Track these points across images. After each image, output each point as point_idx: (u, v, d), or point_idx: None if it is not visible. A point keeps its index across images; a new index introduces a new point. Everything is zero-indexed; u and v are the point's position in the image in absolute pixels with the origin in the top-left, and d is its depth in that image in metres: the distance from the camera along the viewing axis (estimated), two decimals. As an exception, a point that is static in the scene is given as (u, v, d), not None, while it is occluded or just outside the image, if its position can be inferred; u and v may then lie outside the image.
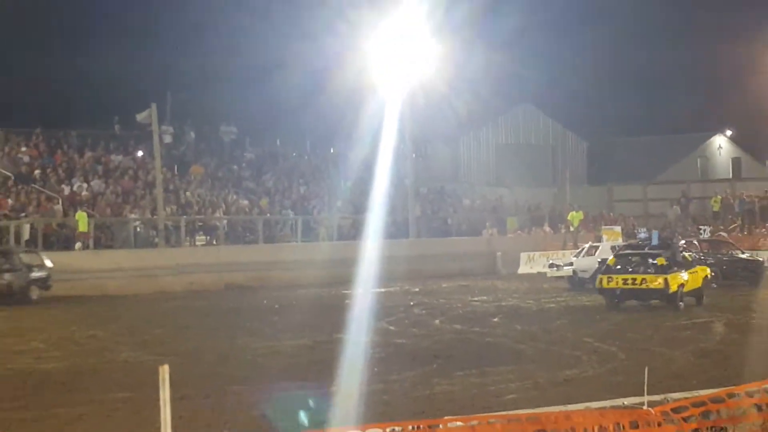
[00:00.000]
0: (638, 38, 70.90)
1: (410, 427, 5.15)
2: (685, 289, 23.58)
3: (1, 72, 55.15)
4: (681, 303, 23.21)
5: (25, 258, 28.64)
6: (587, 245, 33.48)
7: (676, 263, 24.71)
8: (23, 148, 36.09)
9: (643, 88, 66.80)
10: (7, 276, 27.01)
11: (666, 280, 22.82)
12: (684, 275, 23.62)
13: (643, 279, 23.21)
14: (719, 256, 32.18)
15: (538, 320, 23.44)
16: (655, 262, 24.04)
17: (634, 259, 24.90)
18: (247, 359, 17.42)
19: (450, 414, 7.95)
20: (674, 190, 49.78)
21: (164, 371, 5.21)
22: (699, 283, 24.87)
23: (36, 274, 28.26)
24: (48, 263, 28.48)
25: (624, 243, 32.50)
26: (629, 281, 23.25)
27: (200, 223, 35.52)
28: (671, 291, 22.94)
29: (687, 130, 57.47)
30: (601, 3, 64.12)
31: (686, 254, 26.64)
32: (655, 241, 28.20)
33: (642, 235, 33.62)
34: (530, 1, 46.86)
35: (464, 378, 15.29)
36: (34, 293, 27.82)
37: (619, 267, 24.18)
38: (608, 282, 23.39)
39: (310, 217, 37.50)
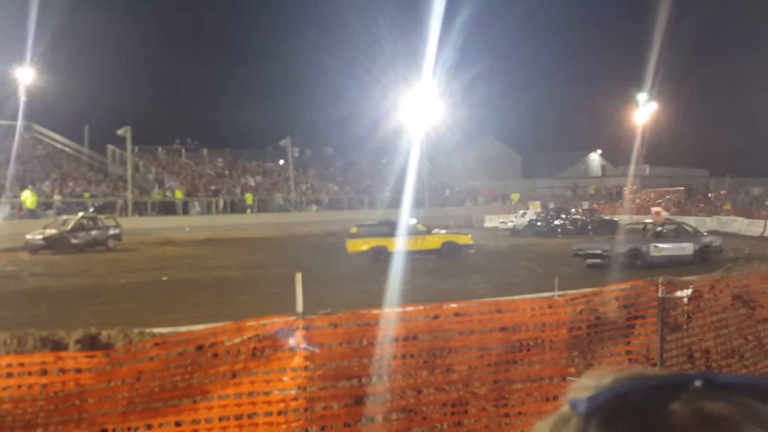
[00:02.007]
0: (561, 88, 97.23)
1: (420, 307, 6.12)
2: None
3: (201, 110, 78.66)
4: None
5: (106, 221, 37.39)
6: (521, 212, 48.33)
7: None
8: (219, 159, 60.44)
9: (551, 123, 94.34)
10: (93, 232, 35.79)
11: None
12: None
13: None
14: (593, 218, 45.71)
15: (494, 251, 31.85)
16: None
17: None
18: (336, 269, 24.04)
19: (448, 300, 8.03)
20: (569, 182, 74.17)
21: (298, 277, 5.98)
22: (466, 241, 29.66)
23: (112, 231, 37.00)
24: (119, 225, 37.56)
25: (539, 211, 47.58)
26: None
27: (313, 199, 57.91)
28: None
29: (576, 149, 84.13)
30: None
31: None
32: (552, 207, 47.56)
33: (551, 206, 49.98)
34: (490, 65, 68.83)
35: (454, 282, 21.27)
36: (111, 243, 36.33)
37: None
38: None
39: (372, 196, 57.83)
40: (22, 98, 51.04)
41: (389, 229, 29.36)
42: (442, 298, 8.66)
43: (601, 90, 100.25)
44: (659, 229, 28.19)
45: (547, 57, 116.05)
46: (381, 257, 27.13)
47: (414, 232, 29.30)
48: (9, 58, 50.71)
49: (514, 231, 43.60)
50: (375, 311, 6.16)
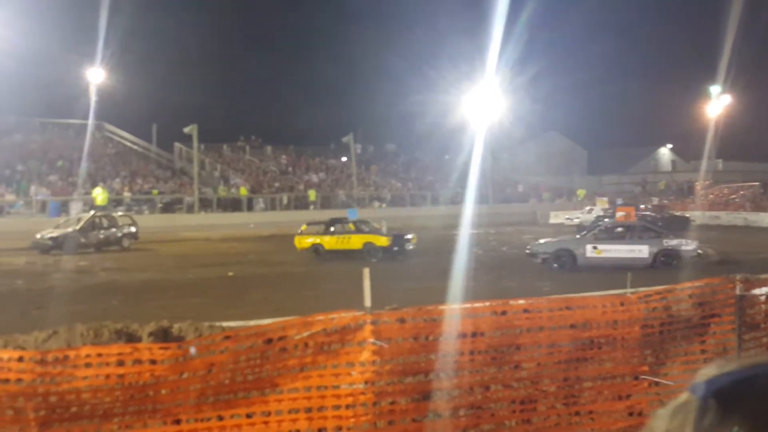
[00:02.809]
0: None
1: (486, 303, 5.99)
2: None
3: (265, 108, 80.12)
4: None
5: (121, 220, 36.01)
6: (587, 208, 49.01)
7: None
8: (283, 156, 61.13)
9: (618, 118, 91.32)
10: (104, 231, 34.32)
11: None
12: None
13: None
14: (663, 214, 43.26)
15: None
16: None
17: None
18: (399, 265, 25.11)
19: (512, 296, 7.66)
20: (637, 178, 71.88)
21: (366, 272, 5.97)
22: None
23: (127, 230, 35.44)
24: (135, 223, 35.82)
25: (607, 207, 45.90)
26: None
27: (376, 196, 58.25)
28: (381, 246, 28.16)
29: (645, 144, 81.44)
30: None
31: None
32: (620, 203, 45.63)
33: (618, 202, 46.96)
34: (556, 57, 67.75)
35: (518, 279, 20.86)
36: (126, 243, 34.84)
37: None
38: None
39: (434, 192, 58.03)
40: (93, 98, 52.30)
41: (333, 227, 30.25)
42: (506, 296, 8.60)
43: (671, 83, 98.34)
44: (600, 227, 25.48)
45: (615, 50, 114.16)
46: (320, 253, 29.16)
47: (343, 231, 29.96)
48: (81, 59, 52.12)
49: (581, 228, 41.46)
50: (442, 307, 6.16)
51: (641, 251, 23.38)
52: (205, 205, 48.96)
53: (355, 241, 29.26)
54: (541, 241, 25.54)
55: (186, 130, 49.01)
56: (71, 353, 5.17)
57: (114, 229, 34.74)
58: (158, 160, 57.40)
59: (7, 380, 5.04)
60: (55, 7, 52.36)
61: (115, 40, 48.87)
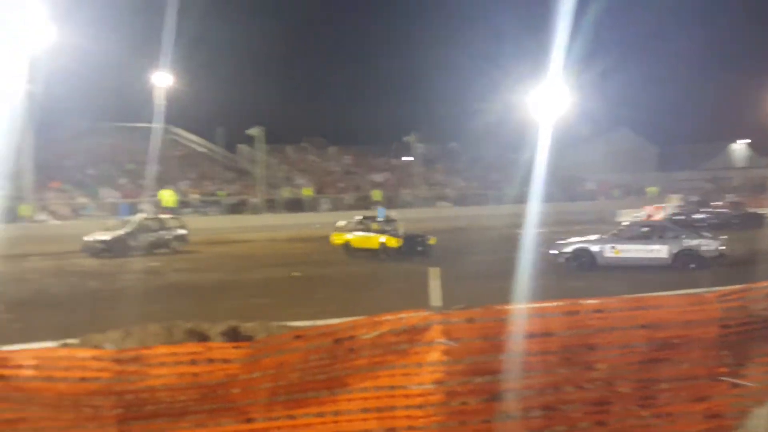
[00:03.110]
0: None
1: (557, 303, 5.91)
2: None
3: (329, 109, 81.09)
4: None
5: (171, 222, 35.48)
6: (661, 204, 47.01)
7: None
8: (346, 156, 61.55)
9: (689, 113, 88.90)
10: (154, 234, 33.69)
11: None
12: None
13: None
14: (738, 211, 42.26)
15: None
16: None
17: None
18: (464, 265, 23.54)
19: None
20: (710, 174, 69.96)
21: (434, 272, 6.05)
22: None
23: (177, 232, 34.94)
24: (185, 226, 35.39)
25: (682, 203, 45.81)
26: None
27: (440, 195, 58.23)
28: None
29: (718, 139, 78.39)
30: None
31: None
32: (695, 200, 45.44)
33: (693, 199, 47.61)
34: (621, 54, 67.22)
35: (584, 279, 21.05)
36: (176, 245, 34.16)
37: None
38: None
39: (499, 191, 57.54)
40: (161, 102, 53.20)
41: (361, 225, 31.40)
42: (573, 296, 8.61)
43: (747, 76, 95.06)
44: (621, 227, 25.27)
45: (688, 43, 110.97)
46: (350, 251, 30.38)
47: (367, 230, 30.81)
48: (149, 64, 53.09)
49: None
50: (511, 306, 6.10)
51: (660, 251, 23.25)
52: (270, 205, 49.39)
53: (374, 241, 29.92)
54: (564, 240, 25.31)
55: (251, 132, 49.56)
56: (146, 352, 5.27)
57: (163, 232, 34.54)
58: (224, 162, 58.15)
59: (85, 378, 5.15)
60: (123, 13, 53.41)
61: (181, 44, 49.59)
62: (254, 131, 49.34)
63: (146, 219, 34.65)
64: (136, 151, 53.07)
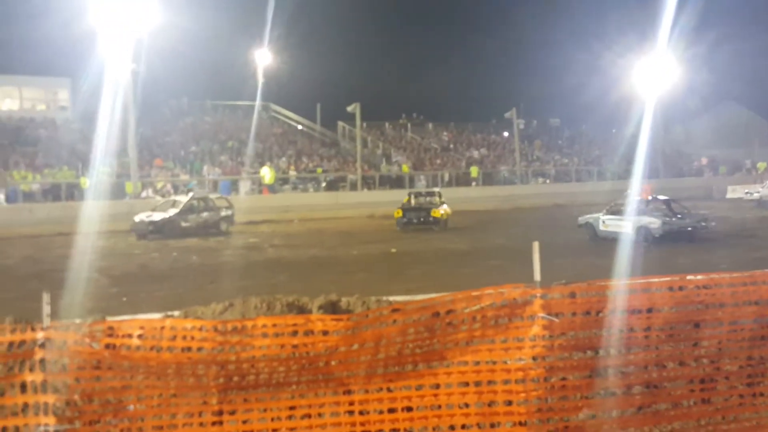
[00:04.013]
0: None
1: (662, 279, 5.72)
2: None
3: (427, 85, 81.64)
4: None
5: (218, 202, 34.10)
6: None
7: None
8: (444, 133, 61.58)
9: None
10: (204, 214, 32.34)
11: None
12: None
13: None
14: None
15: (738, 223, 30.85)
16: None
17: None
18: (563, 242, 24.21)
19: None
20: None
21: (536, 246, 5.79)
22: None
23: (224, 213, 33.36)
24: (232, 206, 34.00)
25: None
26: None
27: (539, 171, 57.42)
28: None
29: None
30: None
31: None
32: None
33: None
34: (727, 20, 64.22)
35: (693, 255, 20.64)
36: (224, 226, 32.77)
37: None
38: None
39: (601, 167, 56.72)
40: (260, 79, 54.14)
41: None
42: (679, 272, 8.37)
43: None
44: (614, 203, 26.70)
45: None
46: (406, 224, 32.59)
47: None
48: (248, 42, 54.05)
49: (761, 203, 41.62)
50: (613, 281, 5.97)
51: (627, 226, 24.82)
52: (367, 182, 49.65)
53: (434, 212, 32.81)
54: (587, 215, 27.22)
55: (349, 108, 49.76)
56: (248, 323, 5.35)
57: (212, 213, 33.02)
58: (322, 139, 58.58)
59: (189, 348, 5.27)
60: (224, -8, 54.22)
61: (280, 22, 50.55)
62: (352, 108, 49.50)
63: (194, 199, 33.02)
64: (236, 129, 54.05)
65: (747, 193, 46.27)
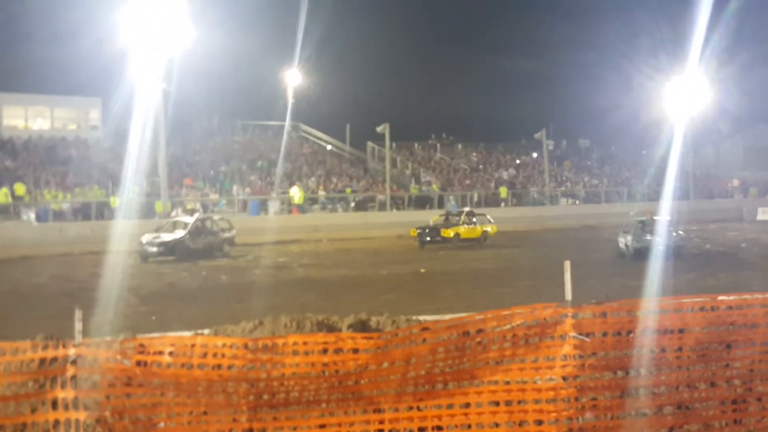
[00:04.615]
0: None
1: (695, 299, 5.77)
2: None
3: (456, 106, 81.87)
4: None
5: (220, 223, 33.10)
6: None
7: None
8: (473, 153, 61.61)
9: None
10: (210, 237, 31.32)
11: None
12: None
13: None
14: None
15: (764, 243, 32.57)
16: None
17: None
18: (594, 264, 23.89)
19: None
20: None
21: (567, 265, 5.77)
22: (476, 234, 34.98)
23: (227, 234, 32.39)
24: (233, 227, 33.02)
25: None
26: None
27: (569, 192, 56.98)
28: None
29: None
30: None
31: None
32: None
33: None
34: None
35: (724, 278, 20.87)
36: (227, 248, 31.62)
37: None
38: None
39: (630, 188, 56.12)
40: (290, 99, 54.45)
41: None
42: (711, 293, 8.19)
43: None
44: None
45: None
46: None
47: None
48: (278, 62, 54.49)
49: None
50: (645, 301, 5.94)
51: (621, 242, 28.76)
52: (396, 203, 49.67)
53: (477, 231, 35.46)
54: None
55: (378, 129, 49.84)
56: (279, 341, 5.38)
57: (216, 234, 32.06)
58: (351, 159, 58.70)
59: (220, 366, 5.30)
60: (254, 11, 54.66)
61: (310, 42, 50.68)
62: (381, 128, 49.62)
63: (199, 220, 32.05)
64: (266, 149, 54.37)
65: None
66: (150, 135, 36.89)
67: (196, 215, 33.61)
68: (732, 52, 49.66)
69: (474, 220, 35.85)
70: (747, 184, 60.77)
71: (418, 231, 34.95)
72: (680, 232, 29.06)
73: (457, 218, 36.01)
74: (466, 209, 39.21)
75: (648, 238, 27.11)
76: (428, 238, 34.35)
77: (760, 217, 49.69)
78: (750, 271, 22.28)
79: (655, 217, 29.43)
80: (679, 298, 6.11)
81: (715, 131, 58.27)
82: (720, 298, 6.01)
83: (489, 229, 36.46)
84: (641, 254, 25.51)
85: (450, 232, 34.37)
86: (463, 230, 34.83)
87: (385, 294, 19.45)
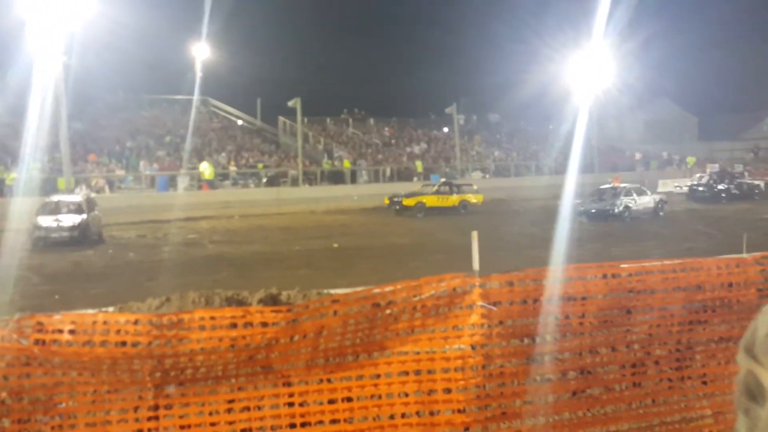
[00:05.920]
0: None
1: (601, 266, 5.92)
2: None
3: (367, 81, 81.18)
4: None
5: (93, 204, 29.11)
6: (698, 175, 48.04)
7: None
8: (385, 128, 61.53)
9: (732, 82, 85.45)
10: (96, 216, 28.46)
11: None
12: None
13: None
14: (732, 180, 45.23)
15: (668, 216, 32.93)
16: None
17: None
18: (505, 236, 25.58)
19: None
20: (751, 144, 69.17)
21: (474, 235, 6.32)
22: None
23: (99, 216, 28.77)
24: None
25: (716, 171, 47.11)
26: None
27: (479, 166, 57.90)
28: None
29: (760, 108, 74.72)
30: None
31: None
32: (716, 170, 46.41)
33: (714, 169, 49.04)
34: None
35: (628, 247, 22.41)
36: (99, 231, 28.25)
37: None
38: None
39: (538, 162, 57.49)
40: (199, 73, 53.54)
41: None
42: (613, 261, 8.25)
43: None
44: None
45: (731, 10, 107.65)
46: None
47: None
48: (186, 36, 53.45)
49: (691, 192, 44.78)
50: (550, 270, 6.06)
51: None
52: (309, 178, 49.53)
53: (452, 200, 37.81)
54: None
55: (290, 103, 49.59)
56: (185, 316, 5.29)
57: (97, 215, 29.02)
58: (263, 134, 58.23)
59: (124, 343, 5.19)
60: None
61: (219, 16, 50.02)
62: (293, 103, 49.34)
63: (87, 199, 29.00)
64: (174, 124, 53.44)
65: (677, 186, 48.84)
66: (50, 110, 35.72)
67: (82, 193, 31.25)
68: (634, 28, 50.78)
69: (448, 189, 37.85)
70: (648, 157, 62.69)
71: (390, 200, 37.69)
72: (636, 197, 33.53)
73: (431, 188, 38.56)
74: (442, 180, 42.01)
75: (592, 203, 32.47)
76: (397, 207, 36.84)
77: (661, 188, 49.85)
78: (652, 241, 23.04)
79: (619, 185, 34.88)
80: (582, 265, 6.25)
81: (618, 105, 59.01)
82: (622, 265, 6.16)
83: (473, 198, 38.60)
84: (588, 216, 31.07)
85: (412, 201, 36.64)
86: (429, 199, 36.87)
87: (299, 270, 19.45)
